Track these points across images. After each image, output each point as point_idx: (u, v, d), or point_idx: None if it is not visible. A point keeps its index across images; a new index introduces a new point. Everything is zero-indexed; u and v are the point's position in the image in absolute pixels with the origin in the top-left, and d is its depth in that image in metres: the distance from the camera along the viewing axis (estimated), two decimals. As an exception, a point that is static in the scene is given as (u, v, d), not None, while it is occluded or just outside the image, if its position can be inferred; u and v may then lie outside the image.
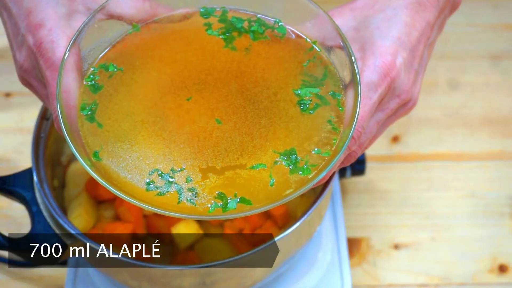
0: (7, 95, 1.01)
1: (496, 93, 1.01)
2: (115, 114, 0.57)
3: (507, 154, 0.95)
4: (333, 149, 0.55)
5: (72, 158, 0.83)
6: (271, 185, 0.54)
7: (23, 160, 0.94)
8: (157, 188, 0.54)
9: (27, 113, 0.99)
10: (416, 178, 0.93)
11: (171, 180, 0.54)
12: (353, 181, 0.92)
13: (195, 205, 0.53)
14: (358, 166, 0.87)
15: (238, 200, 0.53)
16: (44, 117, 0.78)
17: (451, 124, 0.98)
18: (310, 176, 0.54)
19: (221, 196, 0.53)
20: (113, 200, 0.79)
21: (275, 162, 0.55)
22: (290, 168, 0.54)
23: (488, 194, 0.91)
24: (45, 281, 0.84)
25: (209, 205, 0.53)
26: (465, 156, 0.95)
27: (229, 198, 0.53)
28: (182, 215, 0.52)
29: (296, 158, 0.55)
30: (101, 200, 0.79)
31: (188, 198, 0.53)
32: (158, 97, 0.58)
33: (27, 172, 0.74)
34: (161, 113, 0.57)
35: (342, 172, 0.87)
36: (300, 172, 0.54)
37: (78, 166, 0.82)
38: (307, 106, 0.57)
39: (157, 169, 0.54)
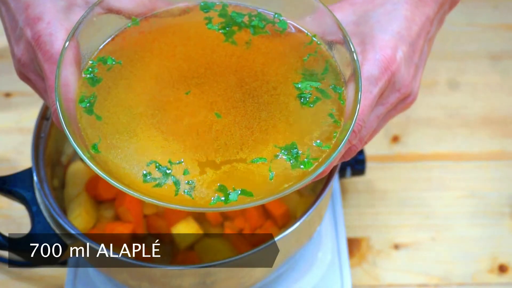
0: (7, 95, 1.01)
1: (496, 93, 1.01)
2: (113, 107, 0.57)
3: (507, 154, 0.95)
4: (333, 142, 0.55)
5: (72, 158, 0.83)
6: (271, 179, 0.54)
7: (23, 160, 0.94)
8: (154, 179, 0.53)
9: (27, 113, 0.99)
10: (416, 178, 0.93)
11: (168, 172, 0.54)
12: (353, 181, 0.92)
13: (193, 198, 0.53)
14: (358, 166, 0.87)
15: (240, 192, 0.53)
16: (44, 117, 0.78)
17: (451, 124, 0.98)
18: (311, 169, 0.54)
19: (222, 189, 0.53)
20: (113, 200, 0.79)
21: (276, 156, 0.55)
22: (291, 163, 0.54)
23: (488, 194, 0.91)
24: (45, 281, 0.84)
25: (212, 198, 0.53)
26: (465, 156, 0.95)
27: (229, 191, 0.53)
28: (180, 206, 0.52)
29: (297, 152, 0.55)
30: (101, 200, 0.79)
31: (186, 191, 0.53)
32: (157, 90, 0.58)
33: (27, 172, 0.74)
34: (159, 106, 0.57)
35: (342, 172, 0.87)
36: (302, 166, 0.54)
37: (78, 166, 0.82)
38: (307, 99, 0.57)
39: (154, 160, 0.54)
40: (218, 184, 0.53)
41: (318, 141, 0.55)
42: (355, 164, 0.87)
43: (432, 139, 0.97)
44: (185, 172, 0.54)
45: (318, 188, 0.74)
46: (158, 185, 0.53)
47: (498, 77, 1.03)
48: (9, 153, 0.95)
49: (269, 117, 0.57)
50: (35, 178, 0.73)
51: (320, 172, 0.54)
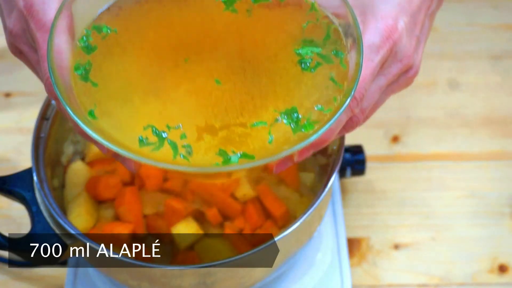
0: (7, 95, 1.01)
1: (496, 93, 1.01)
2: (109, 74, 0.56)
3: (507, 154, 0.95)
4: (335, 105, 0.54)
5: (72, 158, 0.83)
6: (270, 142, 0.53)
7: (23, 160, 0.94)
8: (151, 144, 0.53)
9: (27, 113, 0.99)
10: (416, 178, 0.93)
11: (164, 136, 0.53)
12: (353, 181, 0.92)
13: (190, 162, 0.52)
14: (358, 166, 0.87)
15: (240, 155, 0.52)
16: (44, 117, 0.78)
17: (451, 124, 0.98)
18: (311, 131, 0.53)
19: (221, 153, 0.52)
20: (113, 200, 0.79)
21: (276, 120, 0.54)
22: (292, 127, 0.54)
23: (488, 194, 0.91)
24: (45, 281, 0.84)
25: (208, 163, 0.52)
26: (465, 156, 0.95)
27: (229, 155, 0.52)
28: (178, 167, 0.51)
29: (298, 117, 0.54)
30: (101, 200, 0.79)
31: (182, 155, 0.52)
32: (154, 57, 0.57)
33: (27, 172, 0.74)
34: (157, 73, 0.56)
35: (342, 172, 0.87)
36: (303, 129, 0.53)
37: (78, 166, 0.82)
38: (308, 65, 0.57)
39: (151, 124, 0.53)
40: (219, 148, 0.52)
41: (319, 105, 0.55)
42: (355, 164, 0.87)
43: (432, 139, 0.97)
44: (183, 137, 0.53)
45: (318, 188, 0.74)
46: (155, 149, 0.52)
47: (498, 77, 1.03)
48: (9, 153, 0.95)
49: (269, 83, 0.56)
50: (35, 178, 0.73)
51: (321, 136, 0.53)
